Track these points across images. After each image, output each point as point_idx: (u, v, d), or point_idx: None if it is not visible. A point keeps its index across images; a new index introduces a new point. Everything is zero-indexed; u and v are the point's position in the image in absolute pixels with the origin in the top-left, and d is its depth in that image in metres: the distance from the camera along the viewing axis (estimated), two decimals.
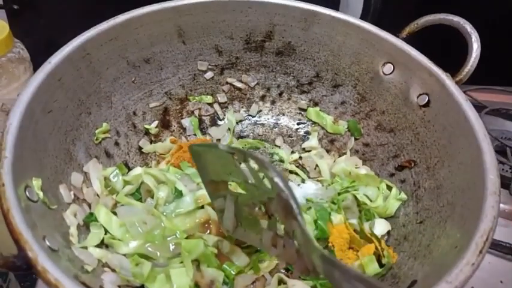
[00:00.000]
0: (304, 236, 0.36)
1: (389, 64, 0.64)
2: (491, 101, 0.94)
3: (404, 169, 0.61)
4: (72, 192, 0.52)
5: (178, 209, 0.52)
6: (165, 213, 0.51)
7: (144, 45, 0.64)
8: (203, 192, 0.54)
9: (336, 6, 1.09)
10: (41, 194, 0.44)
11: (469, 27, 0.60)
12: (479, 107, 0.87)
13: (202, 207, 0.53)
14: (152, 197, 0.54)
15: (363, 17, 1.01)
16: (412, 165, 0.60)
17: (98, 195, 0.55)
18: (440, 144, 0.56)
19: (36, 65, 0.74)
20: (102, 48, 0.59)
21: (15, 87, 0.70)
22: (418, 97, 0.60)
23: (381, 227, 0.56)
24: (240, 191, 0.46)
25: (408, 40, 0.64)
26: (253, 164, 0.39)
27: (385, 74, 0.64)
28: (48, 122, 0.51)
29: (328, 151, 0.70)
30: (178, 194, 0.53)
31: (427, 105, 0.59)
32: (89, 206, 0.53)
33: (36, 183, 0.44)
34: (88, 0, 0.94)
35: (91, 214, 0.51)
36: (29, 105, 0.47)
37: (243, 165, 0.41)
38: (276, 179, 0.36)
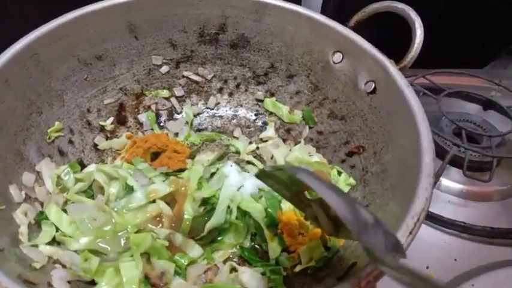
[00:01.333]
0: None
1: (338, 53, 0.65)
2: (451, 84, 0.96)
3: (354, 155, 0.63)
4: (23, 192, 0.52)
5: (129, 204, 0.53)
6: (116, 209, 0.52)
7: (95, 42, 0.64)
8: (155, 186, 0.55)
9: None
10: None
11: (413, 14, 0.61)
12: (438, 89, 0.90)
13: (154, 201, 0.54)
14: (103, 194, 0.54)
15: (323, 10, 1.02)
16: (361, 151, 0.62)
17: (50, 193, 0.55)
18: (386, 129, 0.58)
19: None
20: (50, 47, 0.59)
21: None
22: (365, 84, 0.62)
23: None
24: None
25: (358, 29, 0.66)
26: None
27: (335, 63, 0.65)
28: None
29: (284, 140, 0.71)
30: (129, 190, 0.54)
31: (373, 92, 0.61)
32: (41, 204, 0.54)
33: None
34: None
35: (41, 213, 0.51)
36: None
37: None
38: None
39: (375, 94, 0.60)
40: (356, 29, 0.65)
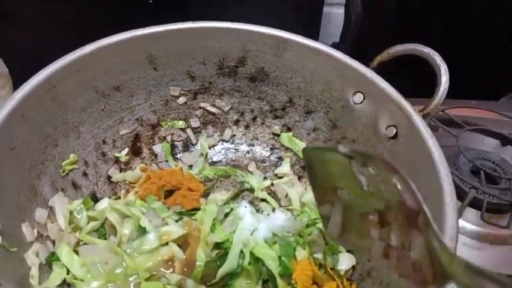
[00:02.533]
0: (434, 245, 0.35)
1: (359, 93, 0.64)
2: (468, 116, 0.95)
3: None
4: (35, 230, 0.51)
5: (142, 246, 0.52)
6: (128, 251, 0.51)
7: (113, 73, 0.63)
8: (168, 228, 0.54)
9: (317, 24, 1.10)
10: None
11: (438, 59, 0.60)
12: (456, 124, 0.89)
13: (166, 243, 0.53)
14: (116, 233, 0.54)
15: (344, 35, 1.01)
16: None
17: (62, 230, 0.54)
18: None
19: (15, 77, 0.74)
20: (68, 79, 0.58)
21: None
22: (386, 129, 0.60)
23: (345, 261, 0.56)
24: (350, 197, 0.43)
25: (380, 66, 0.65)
26: (372, 170, 0.38)
27: (356, 103, 0.64)
28: (10, 160, 0.51)
29: (300, 178, 0.70)
30: (142, 231, 0.54)
31: (394, 137, 0.59)
32: (53, 242, 0.53)
33: None
34: (66, 12, 0.93)
35: (53, 254, 0.51)
36: None
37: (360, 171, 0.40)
38: (399, 186, 0.36)
39: (396, 140, 0.59)
40: (377, 70, 0.64)
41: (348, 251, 0.58)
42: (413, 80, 0.80)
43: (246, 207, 0.61)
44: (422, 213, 0.34)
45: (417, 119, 0.56)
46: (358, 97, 0.64)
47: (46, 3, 0.91)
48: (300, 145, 0.71)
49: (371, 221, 0.41)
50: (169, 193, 0.62)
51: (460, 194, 0.73)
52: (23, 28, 0.93)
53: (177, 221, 0.56)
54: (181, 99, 0.71)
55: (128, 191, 0.64)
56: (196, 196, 0.60)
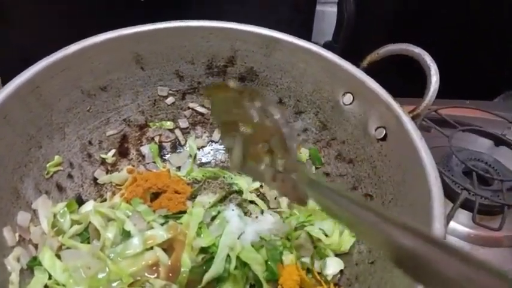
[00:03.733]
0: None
1: (349, 94, 0.63)
2: (461, 116, 0.94)
3: None
4: (17, 234, 0.50)
5: (125, 251, 0.51)
6: (111, 256, 0.50)
7: (99, 73, 0.62)
8: (153, 232, 0.53)
9: (310, 23, 1.09)
10: None
11: (428, 59, 0.59)
12: (449, 124, 0.88)
13: (151, 248, 0.52)
14: (100, 237, 0.53)
15: (336, 33, 1.00)
16: (369, 199, 0.60)
17: (45, 233, 0.53)
18: (395, 180, 0.56)
19: (6, 78, 0.73)
20: (53, 79, 0.57)
21: None
22: (376, 130, 0.59)
23: (333, 265, 0.55)
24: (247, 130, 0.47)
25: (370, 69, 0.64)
26: (258, 103, 0.43)
27: (345, 104, 0.63)
28: None
29: None
30: (126, 235, 0.53)
31: (384, 139, 0.58)
32: (35, 246, 0.52)
33: None
34: (64, 11, 0.92)
35: (35, 258, 0.50)
36: None
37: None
38: (276, 117, 0.41)
39: (385, 141, 0.58)
40: (368, 69, 0.64)
41: (336, 255, 0.58)
42: (405, 77, 0.79)
43: (233, 210, 0.60)
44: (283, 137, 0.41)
45: (406, 120, 0.55)
46: (348, 98, 0.63)
47: (43, 3, 0.90)
48: None
49: (263, 150, 0.46)
50: (155, 196, 0.61)
51: (452, 196, 0.73)
52: (20, 27, 0.92)
53: (162, 224, 0.55)
54: (170, 100, 0.70)
55: (114, 193, 0.63)
56: (183, 199, 0.59)
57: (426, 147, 0.52)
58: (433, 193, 0.48)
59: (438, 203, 0.47)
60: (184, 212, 0.58)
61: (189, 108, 0.72)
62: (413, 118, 0.57)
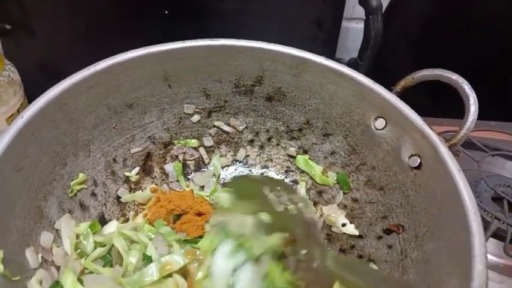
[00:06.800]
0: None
1: (381, 119, 0.61)
2: (488, 138, 0.92)
3: (392, 233, 0.59)
4: (39, 255, 0.49)
5: (143, 278, 0.49)
6: (129, 285, 0.48)
7: (126, 90, 0.61)
8: (170, 258, 0.51)
9: (335, 40, 1.07)
10: (1, 267, 0.42)
11: (467, 88, 0.57)
12: (478, 148, 0.85)
13: (170, 275, 0.50)
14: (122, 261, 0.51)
15: (362, 51, 0.99)
16: (401, 230, 0.57)
17: (67, 255, 0.52)
18: (430, 213, 0.53)
19: (27, 85, 0.74)
20: (80, 96, 0.56)
21: (4, 112, 0.69)
22: (409, 158, 0.57)
23: None
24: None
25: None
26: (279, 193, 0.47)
27: (377, 129, 0.61)
28: (17, 181, 0.49)
29: (315, 203, 0.67)
30: (148, 261, 0.51)
31: (418, 167, 0.56)
32: (57, 269, 0.51)
33: None
34: (81, 22, 0.92)
35: (57, 282, 0.48)
36: None
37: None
38: (300, 205, 0.45)
39: (420, 171, 0.56)
40: (402, 94, 0.62)
41: None
42: (429, 92, 0.77)
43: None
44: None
45: (444, 151, 0.53)
46: (380, 123, 0.61)
47: (63, 14, 0.90)
48: (316, 169, 0.68)
49: (284, 240, 0.48)
50: (178, 216, 0.59)
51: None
52: (37, 34, 0.92)
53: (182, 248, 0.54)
54: (195, 117, 0.69)
55: (137, 213, 0.62)
56: (202, 222, 0.58)
57: (465, 180, 0.50)
58: (472, 229, 0.45)
59: (479, 241, 0.45)
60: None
61: (214, 126, 0.70)
62: (449, 148, 0.55)
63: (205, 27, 0.96)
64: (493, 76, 1.04)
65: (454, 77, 0.58)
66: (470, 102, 0.56)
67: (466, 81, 0.57)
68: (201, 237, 0.57)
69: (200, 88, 0.66)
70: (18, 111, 0.71)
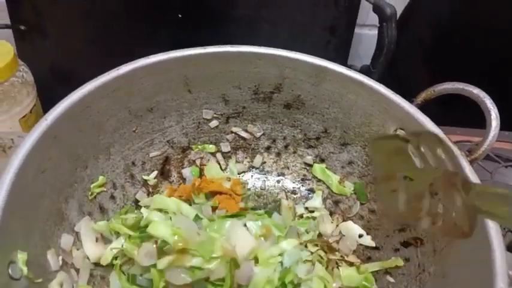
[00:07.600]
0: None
1: (401, 131, 0.61)
2: (501, 149, 0.91)
3: (410, 246, 0.58)
4: (60, 258, 0.50)
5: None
6: None
7: (148, 94, 0.62)
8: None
9: (348, 46, 1.07)
10: (25, 269, 0.42)
11: (489, 102, 0.57)
12: (491, 159, 0.85)
13: None
14: None
15: (375, 58, 0.99)
16: (419, 243, 0.57)
17: (87, 258, 0.52)
18: None
19: (40, 86, 0.74)
20: (103, 99, 0.57)
21: (17, 112, 0.69)
22: None
23: None
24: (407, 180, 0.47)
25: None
26: (423, 149, 0.44)
27: None
28: (40, 183, 0.49)
29: (331, 213, 0.67)
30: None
31: None
32: (77, 271, 0.51)
33: (22, 257, 0.43)
34: (94, 25, 0.93)
35: None
36: (20, 169, 0.45)
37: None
38: (443, 156, 0.43)
39: None
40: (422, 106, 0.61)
41: None
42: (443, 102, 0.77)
43: None
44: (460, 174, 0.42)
45: (465, 165, 0.53)
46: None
47: (75, 17, 0.90)
48: (333, 178, 0.68)
49: (424, 196, 0.45)
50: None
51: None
52: (51, 36, 0.92)
53: None
54: (214, 123, 0.69)
55: None
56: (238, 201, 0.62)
57: None
58: (494, 246, 0.45)
59: (500, 259, 0.45)
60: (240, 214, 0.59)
61: (232, 132, 0.70)
62: (470, 162, 0.55)
63: (217, 32, 0.96)
64: (505, 85, 1.04)
65: (476, 91, 0.58)
66: (492, 117, 0.56)
67: (488, 96, 0.57)
68: (238, 214, 0.59)
69: (219, 94, 0.67)
70: (31, 112, 0.72)
